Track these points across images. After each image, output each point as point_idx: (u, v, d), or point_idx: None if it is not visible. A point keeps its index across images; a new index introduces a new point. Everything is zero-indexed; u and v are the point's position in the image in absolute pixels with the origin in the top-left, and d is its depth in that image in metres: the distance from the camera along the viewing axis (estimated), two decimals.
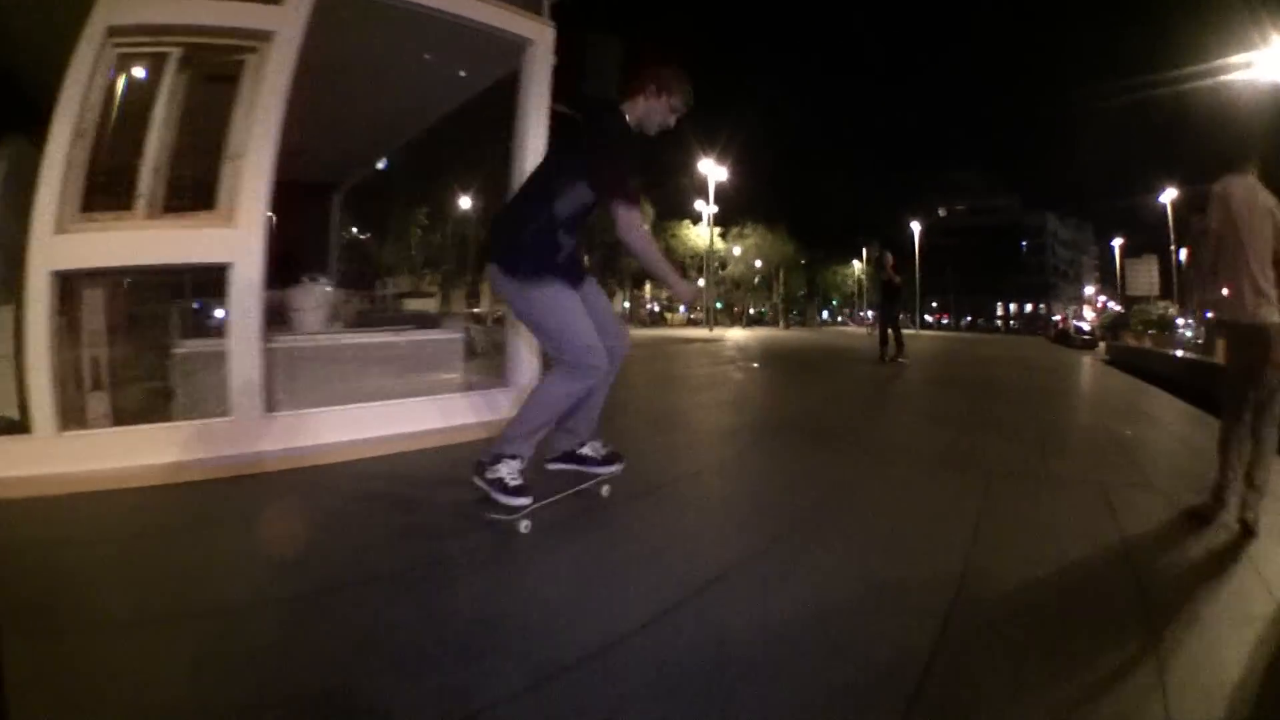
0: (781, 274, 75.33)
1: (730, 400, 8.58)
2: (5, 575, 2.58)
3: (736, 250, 68.28)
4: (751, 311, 78.83)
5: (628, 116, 3.41)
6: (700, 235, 60.49)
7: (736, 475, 4.69)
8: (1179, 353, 19.70)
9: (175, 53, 4.53)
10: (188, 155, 4.68)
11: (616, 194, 3.13)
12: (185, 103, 4.66)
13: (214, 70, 4.65)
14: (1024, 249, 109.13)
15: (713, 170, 49.53)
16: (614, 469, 3.72)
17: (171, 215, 4.46)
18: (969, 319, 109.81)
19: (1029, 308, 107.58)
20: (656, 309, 71.80)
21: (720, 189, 53.31)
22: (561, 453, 3.67)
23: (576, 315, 3.25)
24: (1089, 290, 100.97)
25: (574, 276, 3.35)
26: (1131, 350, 20.67)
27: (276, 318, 5.00)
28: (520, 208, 3.33)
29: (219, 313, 4.58)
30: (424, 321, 6.82)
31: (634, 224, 3.14)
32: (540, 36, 5.70)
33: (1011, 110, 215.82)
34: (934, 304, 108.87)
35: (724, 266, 68.25)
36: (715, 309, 66.56)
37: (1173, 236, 39.75)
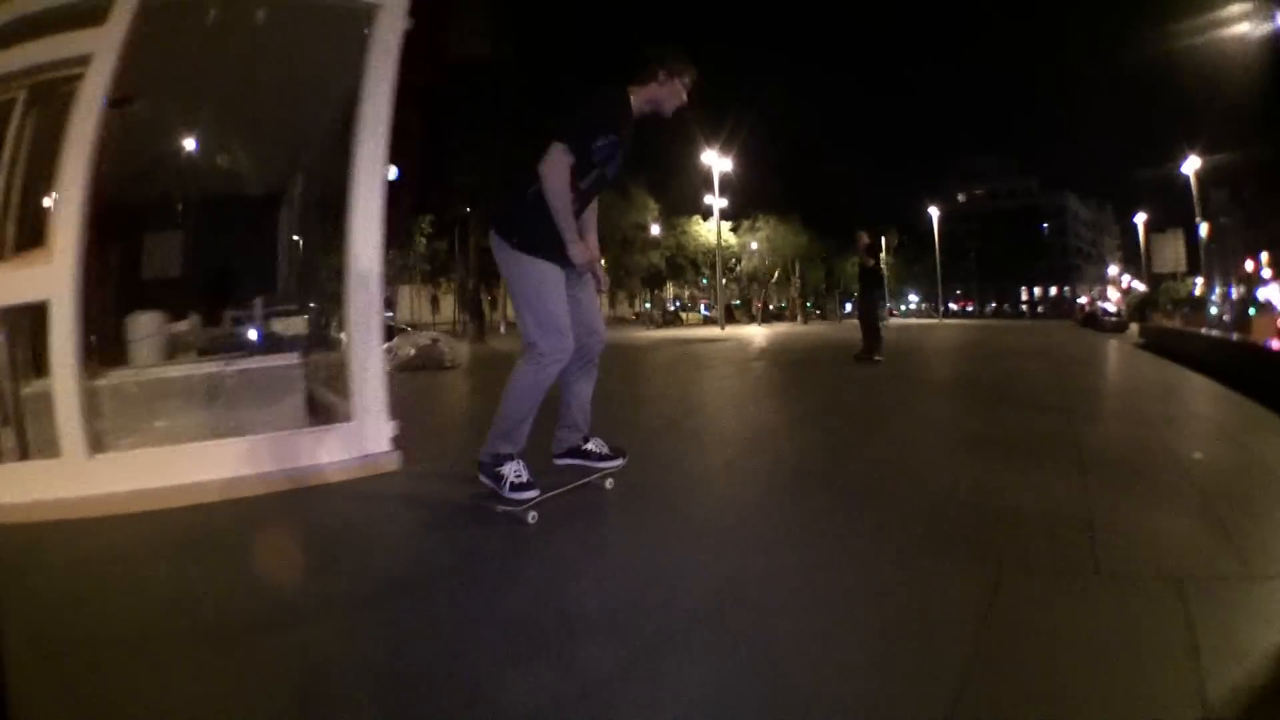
0: (797, 266, 73.33)
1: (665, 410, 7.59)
2: None
3: (754, 245, 66.47)
4: (770, 307, 77.13)
5: (634, 99, 3.46)
6: (709, 231, 58.87)
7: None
8: (1232, 335, 18.03)
9: None
10: (24, 194, 4.69)
11: (558, 134, 3.18)
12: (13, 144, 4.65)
13: (38, 105, 4.60)
14: (1044, 231, 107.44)
15: (717, 162, 48.10)
16: (618, 463, 3.81)
17: None
18: (993, 305, 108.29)
19: (1053, 291, 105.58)
20: (673, 309, 70.44)
21: (730, 182, 53.47)
22: (567, 449, 3.73)
23: (556, 298, 3.31)
24: (1112, 270, 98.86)
25: (567, 260, 3.36)
26: (1168, 333, 18.96)
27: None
28: (520, 176, 3.32)
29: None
30: (277, 345, 6.28)
31: (555, 166, 3.17)
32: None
33: (1026, 91, 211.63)
34: (957, 291, 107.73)
35: (738, 262, 66.55)
36: (731, 306, 65.15)
37: (1197, 209, 37.71)
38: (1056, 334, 28.08)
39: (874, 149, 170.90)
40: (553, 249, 3.29)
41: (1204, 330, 20.63)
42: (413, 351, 13.45)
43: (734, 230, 63.80)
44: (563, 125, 3.23)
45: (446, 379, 12.40)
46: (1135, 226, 60.38)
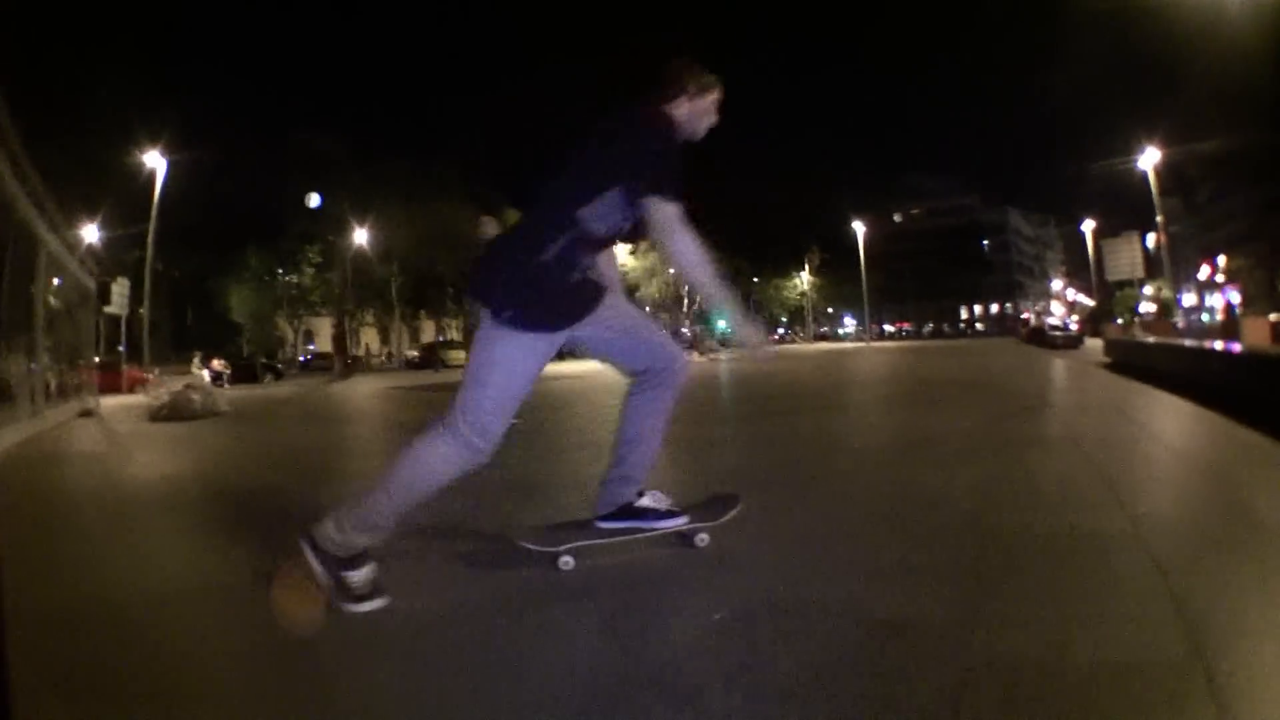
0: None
1: None
2: None
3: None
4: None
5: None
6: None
7: None
8: (1231, 345, 12.54)
9: None
10: None
11: (656, 187, 2.49)
12: None
13: None
14: (986, 248, 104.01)
15: None
16: (681, 521, 2.95)
17: None
18: (931, 326, 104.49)
19: (995, 309, 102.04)
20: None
21: None
22: (618, 507, 2.88)
23: (525, 385, 2.57)
24: (1056, 285, 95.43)
25: (583, 303, 2.61)
26: (1148, 349, 13.24)
27: None
28: (527, 235, 2.59)
29: None
30: None
31: (673, 223, 2.51)
32: None
33: (967, 107, 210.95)
34: (894, 312, 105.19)
35: (636, 289, 59.71)
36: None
37: (1157, 206, 32.85)
38: (999, 354, 23.97)
39: (809, 164, 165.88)
40: (558, 317, 2.55)
41: (1191, 342, 15.02)
42: (166, 397, 12.32)
43: (631, 254, 57.52)
44: (651, 178, 2.50)
45: (165, 432, 10.10)
46: (1083, 236, 55.10)
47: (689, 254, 2.52)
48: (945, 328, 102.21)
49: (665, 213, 2.47)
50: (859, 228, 66.70)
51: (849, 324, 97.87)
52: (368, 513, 2.42)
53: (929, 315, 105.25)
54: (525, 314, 2.49)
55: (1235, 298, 50.41)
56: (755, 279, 72.51)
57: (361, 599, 2.39)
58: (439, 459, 2.46)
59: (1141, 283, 39.84)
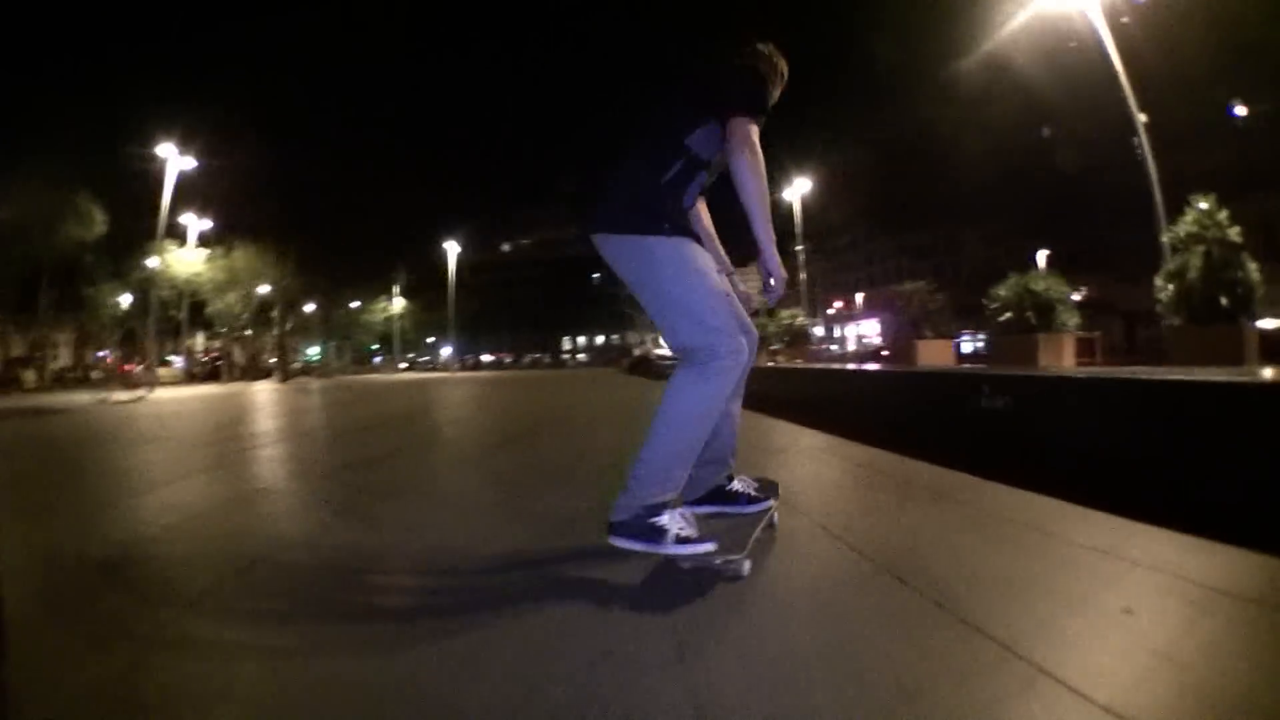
0: (280, 311, 55.25)
1: None
2: None
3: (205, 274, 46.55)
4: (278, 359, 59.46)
5: None
6: (185, 260, 42.76)
7: None
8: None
9: None
10: None
11: (733, 106, 2.46)
12: None
13: None
14: (596, 280, 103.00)
15: (176, 159, 33.07)
16: (770, 504, 2.81)
17: None
18: (534, 355, 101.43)
19: (600, 339, 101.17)
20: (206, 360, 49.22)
21: (215, 193, 41.31)
22: (707, 491, 2.77)
23: (715, 281, 2.47)
24: None
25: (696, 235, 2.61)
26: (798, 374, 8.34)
27: None
28: (638, 160, 2.56)
29: None
30: None
31: (748, 140, 2.42)
32: None
33: (586, 141, 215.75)
34: (492, 341, 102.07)
35: (205, 304, 46.91)
36: (202, 360, 47.23)
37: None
38: (577, 388, 18.87)
39: (414, 190, 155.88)
40: (683, 223, 2.54)
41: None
42: None
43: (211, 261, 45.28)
44: (736, 96, 2.48)
45: None
46: None
47: (752, 174, 2.42)
48: (546, 358, 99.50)
49: (745, 129, 2.42)
50: (451, 248, 58.86)
51: (447, 352, 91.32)
52: (647, 469, 2.35)
53: (533, 345, 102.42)
54: (653, 222, 2.44)
55: (875, 328, 53.03)
56: (353, 304, 65.70)
57: (687, 540, 2.30)
58: (699, 395, 2.36)
59: (770, 312, 37.56)
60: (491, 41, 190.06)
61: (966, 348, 29.14)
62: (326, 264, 56.23)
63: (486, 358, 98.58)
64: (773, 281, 2.56)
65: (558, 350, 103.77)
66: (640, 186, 2.52)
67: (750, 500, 2.76)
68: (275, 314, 54.03)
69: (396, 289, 70.30)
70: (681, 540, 2.28)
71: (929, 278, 22.07)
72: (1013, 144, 46.23)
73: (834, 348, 56.45)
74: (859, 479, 4.16)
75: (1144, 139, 14.97)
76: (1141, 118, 14.94)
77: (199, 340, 53.25)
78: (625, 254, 2.49)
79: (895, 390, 7.20)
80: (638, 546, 2.32)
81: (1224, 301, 10.45)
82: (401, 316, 73.37)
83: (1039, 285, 12.84)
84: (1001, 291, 13.37)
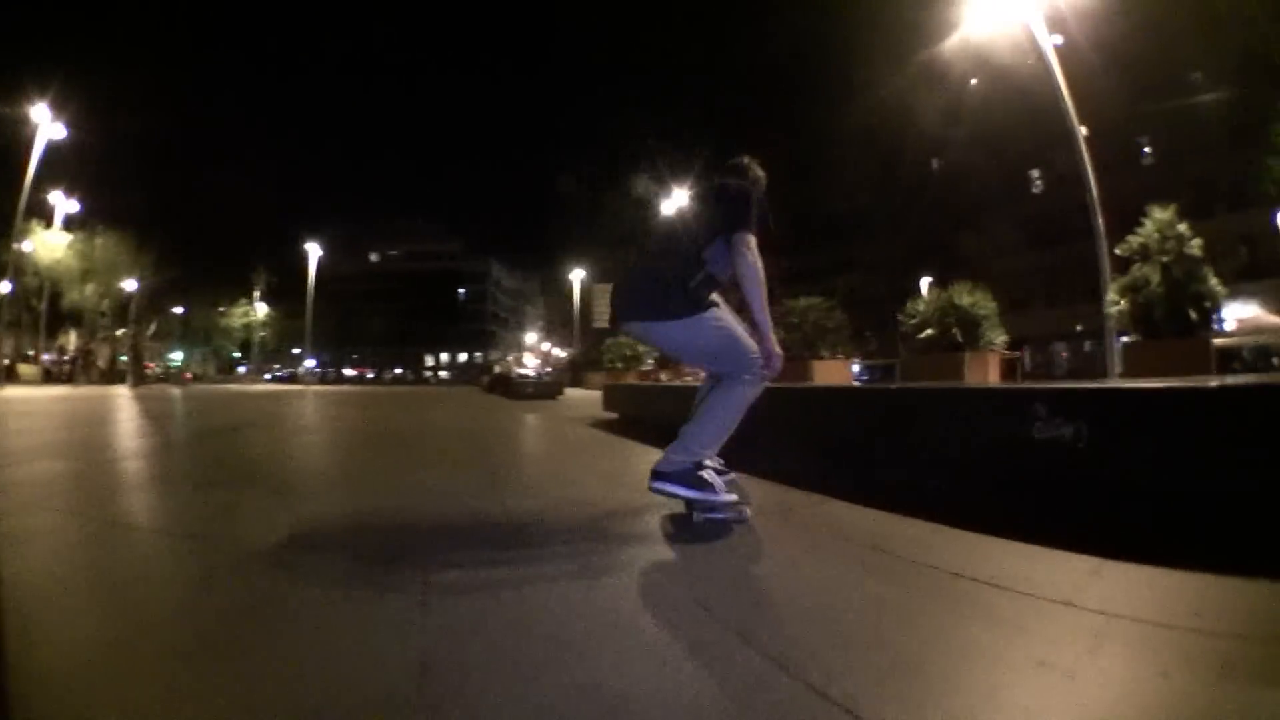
0: (135, 307, 49.74)
1: None
2: None
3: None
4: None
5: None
6: (49, 244, 39.55)
7: None
8: None
9: None
10: None
11: (733, 226, 3.33)
12: None
13: None
14: (463, 296, 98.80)
15: (49, 125, 28.77)
16: (727, 499, 3.45)
17: None
18: (397, 370, 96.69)
19: (464, 357, 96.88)
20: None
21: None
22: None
23: (737, 327, 3.48)
24: (531, 339, 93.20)
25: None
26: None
27: None
28: (676, 264, 3.42)
29: None
30: None
31: (746, 248, 3.29)
32: None
33: (457, 153, 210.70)
34: (354, 355, 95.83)
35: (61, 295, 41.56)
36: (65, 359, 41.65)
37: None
38: (424, 407, 15.40)
39: (284, 192, 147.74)
40: (704, 301, 3.41)
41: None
42: None
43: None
44: (733, 218, 3.35)
45: None
46: (570, 286, 49.88)
47: (751, 274, 3.27)
48: (409, 374, 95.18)
49: (743, 241, 3.27)
50: (313, 251, 53.10)
51: (311, 364, 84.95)
52: (703, 436, 3.36)
53: (396, 360, 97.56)
54: (687, 308, 3.34)
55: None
56: (218, 307, 61.03)
57: (727, 487, 3.35)
58: (744, 395, 3.36)
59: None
60: (374, 44, 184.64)
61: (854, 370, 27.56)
62: (185, 259, 51.73)
63: (349, 372, 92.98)
64: (773, 360, 3.41)
65: (420, 367, 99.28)
66: (674, 288, 3.35)
67: (712, 490, 3.38)
68: (132, 312, 48.64)
69: (257, 293, 64.25)
70: (720, 488, 3.29)
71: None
72: (902, 170, 46.86)
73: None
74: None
75: (1084, 153, 14.11)
76: (1082, 130, 14.17)
77: (72, 338, 47.89)
78: (673, 332, 3.40)
79: (896, 416, 4.75)
80: (690, 493, 3.29)
81: (1193, 315, 10.17)
82: (265, 324, 67.38)
83: (964, 300, 11.88)
84: (920, 306, 12.51)
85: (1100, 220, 13.74)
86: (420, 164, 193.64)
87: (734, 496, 3.28)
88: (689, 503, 3.27)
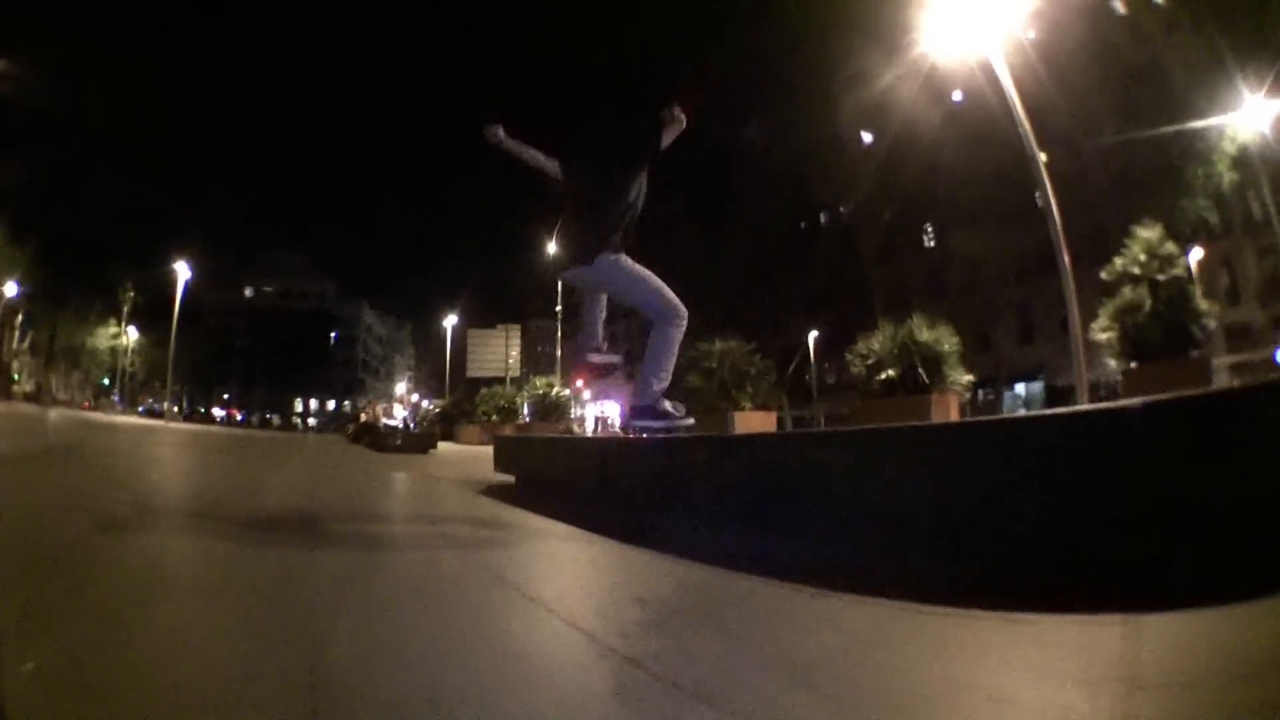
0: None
1: None
2: None
3: None
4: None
5: None
6: None
7: None
8: None
9: None
10: None
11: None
12: None
13: None
14: (335, 340, 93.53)
15: None
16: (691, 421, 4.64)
17: None
18: (266, 415, 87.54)
19: (332, 404, 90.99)
20: None
21: None
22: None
23: (652, 275, 4.39)
24: (401, 388, 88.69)
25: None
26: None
27: None
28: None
29: None
30: None
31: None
32: None
33: (336, 192, 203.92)
34: (225, 395, 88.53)
35: None
36: None
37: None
38: (258, 454, 13.40)
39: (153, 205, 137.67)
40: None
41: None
42: None
43: None
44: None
45: None
46: (442, 335, 45.95)
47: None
48: (275, 418, 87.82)
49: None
50: (181, 271, 46.76)
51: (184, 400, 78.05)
52: (655, 377, 4.33)
53: (264, 402, 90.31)
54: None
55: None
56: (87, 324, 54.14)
57: (683, 416, 4.46)
58: (672, 335, 4.31)
59: (515, 380, 32.76)
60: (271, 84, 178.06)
61: None
62: (55, 266, 47.16)
63: (219, 412, 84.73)
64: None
65: (290, 412, 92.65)
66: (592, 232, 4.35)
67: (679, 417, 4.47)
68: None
69: (125, 312, 57.84)
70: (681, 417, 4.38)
71: None
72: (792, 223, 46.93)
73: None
74: None
75: (1045, 180, 13.04)
76: (1042, 157, 13.10)
77: None
78: (587, 273, 4.40)
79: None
80: (658, 424, 4.35)
81: (1196, 335, 10.06)
82: (133, 351, 60.80)
83: (925, 335, 10.87)
84: (875, 344, 11.43)
85: (1066, 256, 12.43)
86: (298, 200, 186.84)
87: (691, 420, 4.48)
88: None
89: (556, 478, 6.14)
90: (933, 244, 45.23)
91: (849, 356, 12.41)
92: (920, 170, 38.11)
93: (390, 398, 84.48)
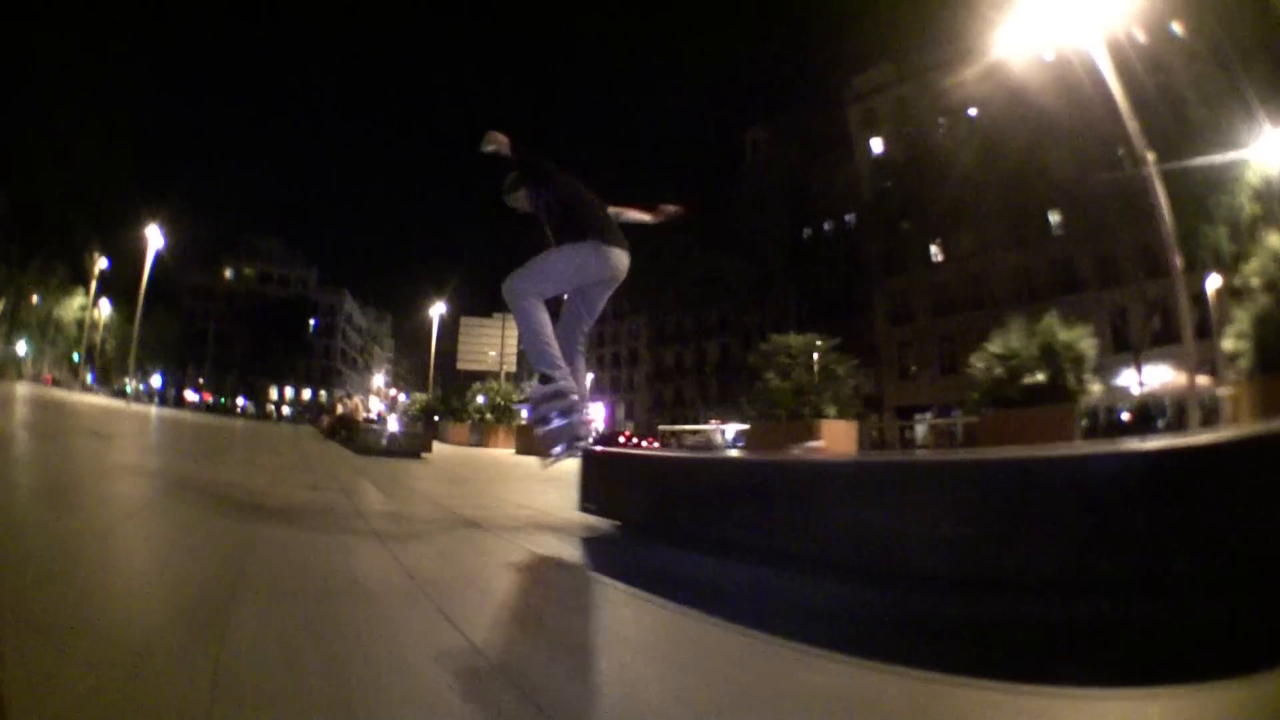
0: None
1: None
2: None
3: None
4: None
5: None
6: None
7: None
8: None
9: None
10: None
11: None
12: None
13: None
14: (314, 328, 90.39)
15: None
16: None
17: None
18: (245, 402, 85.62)
19: (308, 394, 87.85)
20: None
21: None
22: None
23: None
24: (379, 381, 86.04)
25: None
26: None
27: None
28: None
29: None
30: None
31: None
32: None
33: (322, 177, 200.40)
34: (200, 379, 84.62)
35: None
36: None
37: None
38: (217, 448, 10.75)
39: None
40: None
41: None
42: None
43: None
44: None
45: None
46: (425, 327, 42.47)
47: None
48: (250, 405, 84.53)
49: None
50: (152, 237, 42.33)
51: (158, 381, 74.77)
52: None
53: (238, 388, 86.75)
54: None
55: None
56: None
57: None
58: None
59: (509, 377, 30.17)
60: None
61: None
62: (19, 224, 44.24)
63: (193, 395, 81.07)
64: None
65: (265, 399, 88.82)
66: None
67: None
68: None
69: (94, 280, 52.34)
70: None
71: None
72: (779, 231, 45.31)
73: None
74: None
75: (1157, 182, 11.88)
76: (1150, 157, 11.94)
77: None
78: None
79: None
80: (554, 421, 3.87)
81: None
82: (105, 327, 57.41)
83: (1064, 335, 9.74)
84: (1013, 342, 9.92)
85: (1179, 261, 11.65)
86: (283, 186, 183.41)
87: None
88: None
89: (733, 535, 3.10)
90: (941, 258, 44.45)
91: (974, 360, 10.73)
92: (930, 180, 37.21)
93: (367, 390, 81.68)
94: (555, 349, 3.78)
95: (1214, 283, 25.55)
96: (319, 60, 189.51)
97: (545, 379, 3.77)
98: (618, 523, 4.07)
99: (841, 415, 11.36)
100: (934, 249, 44.66)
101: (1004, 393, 10.05)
